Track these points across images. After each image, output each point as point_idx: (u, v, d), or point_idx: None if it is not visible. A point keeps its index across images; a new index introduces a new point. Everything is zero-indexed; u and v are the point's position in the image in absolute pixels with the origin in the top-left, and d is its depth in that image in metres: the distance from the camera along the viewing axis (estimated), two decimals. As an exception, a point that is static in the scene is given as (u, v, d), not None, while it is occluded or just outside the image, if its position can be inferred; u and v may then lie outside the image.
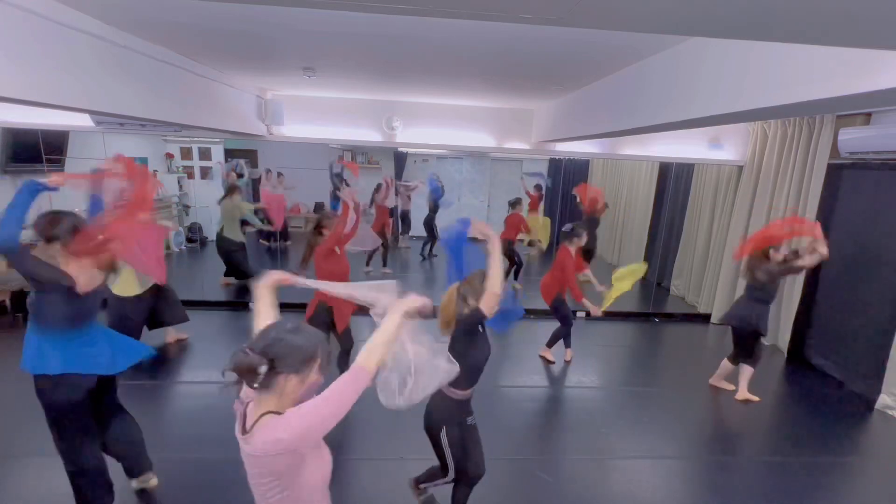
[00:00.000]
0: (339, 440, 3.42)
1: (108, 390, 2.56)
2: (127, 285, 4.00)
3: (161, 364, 4.43)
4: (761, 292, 3.98)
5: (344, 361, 3.74)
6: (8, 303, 5.45)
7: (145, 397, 3.83)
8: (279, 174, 8.53)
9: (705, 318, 6.36)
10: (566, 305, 4.66)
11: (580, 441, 3.57)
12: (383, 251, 7.67)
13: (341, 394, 1.28)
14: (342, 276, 3.83)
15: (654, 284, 7.55)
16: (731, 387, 4.31)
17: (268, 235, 8.84)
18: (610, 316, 6.42)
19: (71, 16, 2.63)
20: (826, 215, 4.91)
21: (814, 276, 4.98)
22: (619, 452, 3.43)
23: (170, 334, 4.84)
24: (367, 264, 7.54)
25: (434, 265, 8.75)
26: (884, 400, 4.20)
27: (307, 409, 1.25)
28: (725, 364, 4.34)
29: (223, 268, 6.50)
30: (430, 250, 8.85)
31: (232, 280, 6.54)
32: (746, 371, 4.19)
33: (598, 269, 8.88)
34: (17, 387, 3.99)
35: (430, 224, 8.49)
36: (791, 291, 5.15)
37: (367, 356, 1.35)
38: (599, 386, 4.48)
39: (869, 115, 4.54)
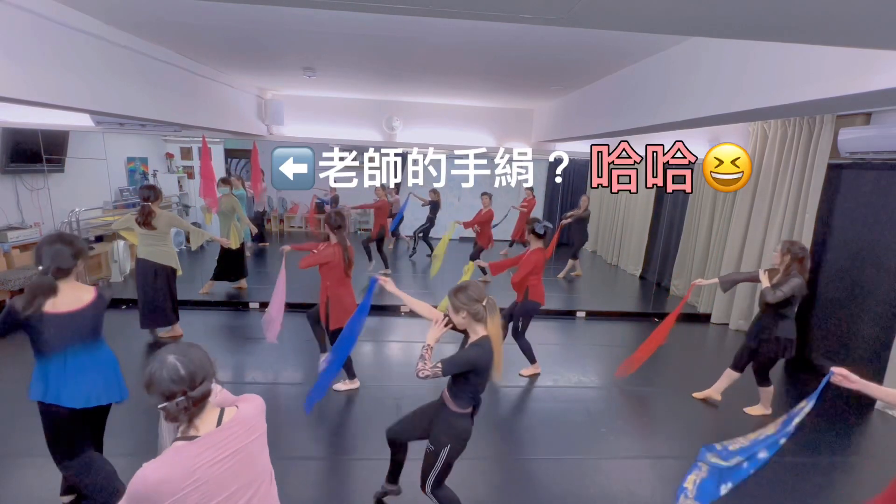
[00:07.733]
0: (337, 440, 3.43)
1: (100, 414, 2.46)
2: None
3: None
4: (791, 308, 3.71)
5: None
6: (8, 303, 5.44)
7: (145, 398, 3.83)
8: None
9: (705, 318, 6.36)
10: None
11: (580, 441, 3.57)
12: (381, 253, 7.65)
13: None
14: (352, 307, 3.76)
15: (654, 284, 7.55)
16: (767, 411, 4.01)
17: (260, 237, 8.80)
18: (610, 316, 6.44)
19: (72, 16, 2.63)
20: (826, 215, 4.92)
21: (813, 276, 4.98)
22: (619, 452, 3.43)
23: (174, 329, 4.86)
24: (370, 260, 7.53)
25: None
26: (884, 400, 4.18)
27: None
28: (764, 391, 3.97)
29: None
30: (414, 248, 9.03)
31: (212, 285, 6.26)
32: (730, 376, 4.07)
33: (598, 269, 8.94)
34: (16, 387, 4.00)
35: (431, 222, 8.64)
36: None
37: None
38: (599, 386, 4.48)
39: (869, 115, 4.54)
